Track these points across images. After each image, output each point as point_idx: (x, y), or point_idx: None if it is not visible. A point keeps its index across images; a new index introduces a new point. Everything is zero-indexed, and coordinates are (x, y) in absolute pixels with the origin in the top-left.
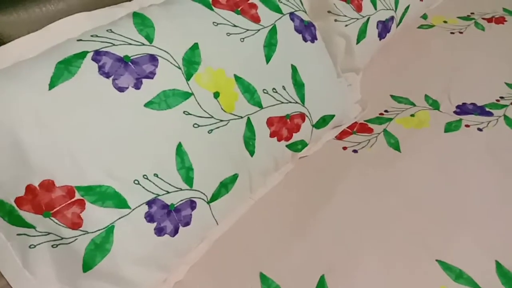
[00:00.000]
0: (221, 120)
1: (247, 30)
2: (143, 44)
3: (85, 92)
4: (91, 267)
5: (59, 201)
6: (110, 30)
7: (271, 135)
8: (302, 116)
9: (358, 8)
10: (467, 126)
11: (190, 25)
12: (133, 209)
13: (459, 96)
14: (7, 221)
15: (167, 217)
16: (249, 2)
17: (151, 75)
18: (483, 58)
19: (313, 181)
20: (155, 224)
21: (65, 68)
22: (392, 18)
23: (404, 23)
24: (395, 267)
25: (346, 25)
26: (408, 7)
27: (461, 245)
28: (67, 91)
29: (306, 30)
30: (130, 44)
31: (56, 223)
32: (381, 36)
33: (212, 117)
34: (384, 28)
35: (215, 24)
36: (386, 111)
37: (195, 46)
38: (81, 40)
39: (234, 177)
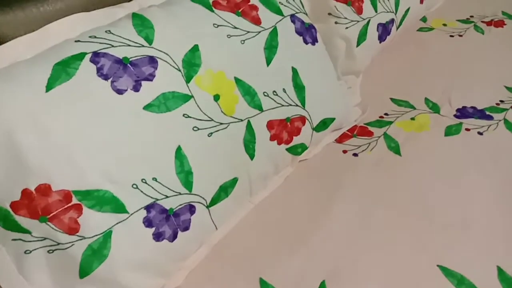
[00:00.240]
0: (221, 123)
1: (248, 32)
2: (143, 46)
3: (83, 95)
4: (88, 273)
5: (55, 206)
6: (109, 31)
7: (271, 139)
8: (303, 119)
9: (359, 11)
10: (467, 129)
11: (190, 26)
12: (131, 214)
13: (459, 99)
14: (1, 226)
15: (166, 222)
16: (250, 3)
17: (150, 77)
18: (483, 62)
19: (313, 185)
20: (153, 229)
21: (63, 69)
22: (392, 20)
23: (404, 25)
24: (397, 273)
25: (347, 28)
26: (408, 9)
27: (462, 250)
28: (65, 93)
29: (307, 32)
30: (129, 45)
31: (53, 228)
32: (381, 38)
33: (212, 120)
34: (384, 30)
35: (216, 25)
36: (386, 114)
37: (195, 48)
38: (79, 41)
39: (234, 181)
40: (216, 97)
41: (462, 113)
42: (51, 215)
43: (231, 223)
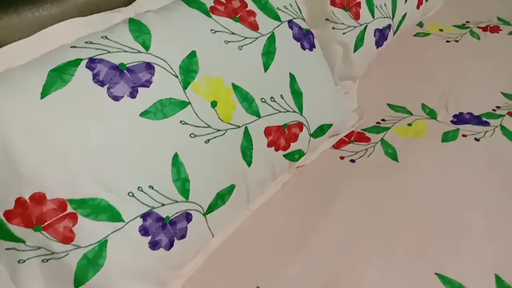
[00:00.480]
0: (218, 130)
1: (246, 38)
2: (139, 52)
3: (79, 101)
4: (83, 282)
5: (50, 215)
6: (105, 36)
7: (269, 145)
8: (300, 125)
9: (356, 16)
10: (464, 135)
11: (188, 32)
12: (127, 223)
13: (456, 105)
14: None
15: (162, 230)
16: (247, 9)
17: (147, 84)
18: (479, 67)
19: (310, 191)
20: (149, 237)
21: (58, 76)
22: (389, 26)
23: (401, 31)
24: (395, 280)
25: (344, 33)
26: (405, 15)
27: (461, 258)
28: (60, 100)
29: (305, 38)
30: (126, 51)
31: (47, 237)
32: (378, 44)
33: (209, 126)
34: (381, 36)
35: (213, 31)
36: (383, 120)
37: (192, 54)
38: (75, 47)
39: (231, 188)
40: (214, 104)
41: (459, 119)
42: (46, 224)
43: (228, 230)
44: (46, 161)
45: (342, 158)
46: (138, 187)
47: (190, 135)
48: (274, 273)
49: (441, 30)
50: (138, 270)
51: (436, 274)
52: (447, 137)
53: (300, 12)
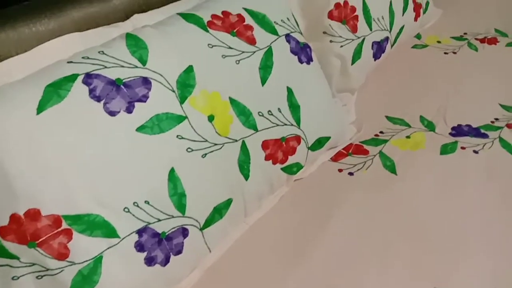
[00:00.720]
0: (216, 144)
1: (243, 52)
2: (136, 67)
3: (75, 117)
4: None
5: (45, 231)
6: (102, 51)
7: (266, 158)
8: (298, 139)
9: (354, 29)
10: (463, 148)
11: (185, 47)
12: (122, 239)
13: (454, 117)
14: None
15: (158, 246)
16: (245, 23)
17: (143, 99)
18: (477, 79)
19: (308, 205)
20: (145, 253)
21: (54, 91)
22: (387, 38)
23: (399, 43)
24: None
25: (341, 46)
26: (402, 27)
27: (460, 272)
28: (56, 115)
29: (302, 52)
30: (123, 66)
31: (42, 253)
32: (376, 56)
33: (206, 141)
34: (379, 48)
35: (210, 46)
36: (381, 132)
37: (189, 69)
38: (71, 62)
39: (228, 202)
40: (211, 118)
41: (458, 131)
42: (40, 240)
43: (226, 245)
44: (41, 177)
45: (340, 170)
46: (134, 203)
47: (187, 150)
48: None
49: (439, 41)
50: (134, 286)
51: None
52: (446, 149)
53: (298, 26)
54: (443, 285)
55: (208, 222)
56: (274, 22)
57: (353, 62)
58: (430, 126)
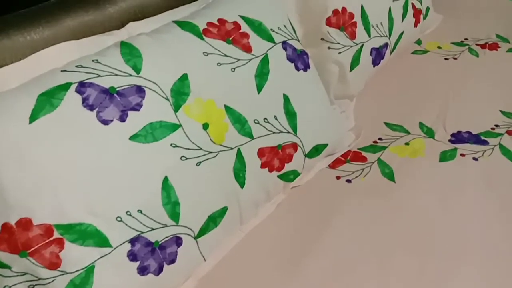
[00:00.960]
0: (210, 152)
1: (238, 60)
2: (130, 75)
3: (68, 126)
4: None
5: (36, 240)
6: (96, 60)
7: (262, 166)
8: (294, 146)
9: (352, 36)
10: (462, 155)
11: (180, 55)
12: (114, 248)
13: (454, 124)
14: None
15: (151, 255)
16: (241, 31)
17: (137, 107)
18: (478, 85)
19: (305, 212)
20: (138, 263)
21: (47, 100)
22: (386, 44)
23: (398, 49)
24: None
25: (340, 53)
26: (402, 33)
27: (460, 281)
28: (49, 124)
29: (299, 59)
30: (117, 75)
31: (33, 263)
32: (375, 62)
33: (201, 149)
34: (378, 55)
35: (206, 54)
36: (380, 139)
37: (184, 77)
38: (65, 70)
39: (223, 210)
40: (205, 126)
41: (457, 138)
42: (32, 249)
43: (221, 253)
44: (33, 186)
45: (338, 178)
46: (127, 212)
47: (181, 158)
48: None
49: (439, 47)
50: None
51: None
52: (445, 156)
53: (295, 33)
54: None
55: (203, 231)
56: (271, 29)
57: (351, 69)
58: (429, 133)
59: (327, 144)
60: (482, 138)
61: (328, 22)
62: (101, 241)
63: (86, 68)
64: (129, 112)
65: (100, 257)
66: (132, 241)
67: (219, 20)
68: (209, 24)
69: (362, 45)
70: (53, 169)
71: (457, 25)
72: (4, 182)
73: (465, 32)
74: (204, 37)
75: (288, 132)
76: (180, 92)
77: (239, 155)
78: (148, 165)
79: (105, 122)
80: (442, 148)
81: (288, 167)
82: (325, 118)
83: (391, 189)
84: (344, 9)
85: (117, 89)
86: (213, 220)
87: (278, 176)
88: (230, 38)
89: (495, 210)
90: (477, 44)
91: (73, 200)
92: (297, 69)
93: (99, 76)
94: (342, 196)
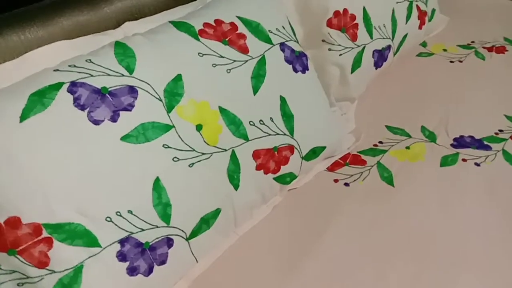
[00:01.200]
0: (203, 153)
1: (234, 61)
2: (123, 75)
3: (58, 125)
4: None
5: (25, 239)
6: (89, 60)
7: (257, 168)
8: (291, 148)
9: (353, 37)
10: (464, 160)
11: (174, 55)
12: (104, 248)
13: (457, 128)
14: None
15: (141, 256)
16: (237, 32)
17: (129, 107)
18: (482, 89)
19: (302, 215)
20: (127, 263)
21: (39, 100)
22: (389, 47)
23: (402, 51)
24: None
25: (340, 55)
26: (406, 35)
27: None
28: (39, 124)
29: (297, 61)
30: (109, 75)
31: (22, 261)
32: (377, 65)
33: (194, 150)
34: (380, 57)
35: (201, 55)
36: (380, 142)
37: (178, 78)
38: (58, 70)
39: (217, 212)
40: (199, 127)
41: (460, 142)
42: (20, 248)
43: (214, 255)
44: (23, 185)
45: (336, 181)
46: (116, 212)
47: (173, 159)
48: None
49: (445, 50)
50: None
51: None
52: (446, 161)
53: (294, 34)
54: None
55: (195, 233)
56: (269, 30)
57: (352, 71)
58: (431, 137)
59: (325, 147)
60: (485, 143)
61: (329, 24)
62: (90, 241)
63: (79, 68)
64: (121, 113)
65: (89, 257)
66: (122, 242)
67: (215, 20)
68: (206, 24)
69: (364, 47)
70: (42, 168)
71: (464, 28)
72: None
73: (472, 34)
74: (199, 37)
75: (285, 134)
76: (173, 93)
77: (233, 156)
78: (139, 166)
79: (96, 122)
80: (444, 153)
81: (284, 169)
82: (324, 120)
83: (390, 193)
84: (345, 10)
85: (109, 89)
86: (206, 222)
87: (274, 179)
88: (227, 39)
89: (496, 217)
90: (484, 47)
91: (62, 200)
92: (295, 70)
93: (92, 76)
94: (339, 199)
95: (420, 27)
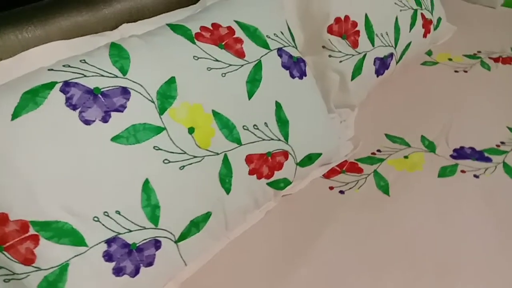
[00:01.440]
0: (195, 157)
1: (230, 65)
2: (116, 76)
3: (49, 124)
4: None
5: (12, 236)
6: (84, 60)
7: (250, 173)
8: (285, 154)
9: (354, 44)
10: (463, 171)
11: (169, 58)
12: (90, 247)
13: (457, 138)
14: None
15: (128, 256)
16: (234, 36)
17: (121, 108)
18: (486, 99)
19: (295, 221)
20: (113, 263)
21: (31, 98)
22: (391, 55)
23: (405, 60)
24: None
25: (341, 61)
26: (409, 44)
27: None
28: (31, 122)
29: (295, 67)
30: (102, 75)
31: (8, 257)
32: (379, 72)
33: (185, 153)
34: (382, 65)
35: (196, 58)
36: (378, 150)
37: (171, 80)
38: (52, 69)
39: (207, 215)
40: (191, 130)
41: (459, 153)
42: (7, 244)
43: (205, 258)
44: (11, 182)
45: (331, 188)
46: (104, 212)
47: (163, 161)
48: None
49: (450, 59)
50: None
51: None
52: (444, 172)
53: (293, 39)
54: None
55: (184, 235)
56: (267, 35)
57: (352, 78)
58: (430, 147)
59: (321, 154)
60: (486, 155)
61: (330, 30)
62: (77, 240)
63: (73, 68)
64: (112, 113)
65: (75, 256)
66: (109, 242)
67: (213, 24)
68: (202, 28)
69: (365, 54)
70: (32, 166)
71: (471, 37)
72: None
73: (479, 44)
74: (195, 41)
75: (279, 140)
76: (166, 95)
77: (225, 160)
78: (129, 167)
79: (87, 122)
80: (443, 163)
81: (278, 175)
82: (320, 127)
83: (385, 202)
84: (347, 17)
85: (101, 90)
86: (196, 225)
87: (268, 184)
88: (223, 43)
89: (492, 229)
90: (490, 57)
91: (50, 198)
92: (292, 76)
93: (85, 76)
94: (334, 206)
95: (425, 36)
